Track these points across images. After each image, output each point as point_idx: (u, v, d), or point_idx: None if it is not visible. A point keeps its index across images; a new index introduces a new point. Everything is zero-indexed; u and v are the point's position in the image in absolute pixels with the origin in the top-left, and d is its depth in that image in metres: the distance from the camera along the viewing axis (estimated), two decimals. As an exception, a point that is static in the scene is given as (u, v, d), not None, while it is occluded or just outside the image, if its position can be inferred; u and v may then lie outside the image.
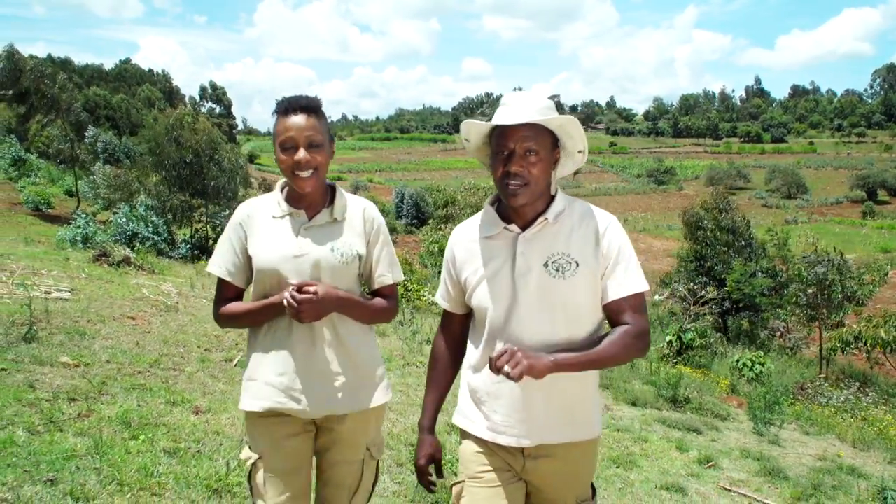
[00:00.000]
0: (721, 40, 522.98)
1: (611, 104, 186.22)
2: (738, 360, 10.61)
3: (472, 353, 1.85)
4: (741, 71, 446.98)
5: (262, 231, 1.91)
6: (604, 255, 1.71)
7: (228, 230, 1.95)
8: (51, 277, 8.04)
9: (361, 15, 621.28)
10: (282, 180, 1.97)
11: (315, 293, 1.76)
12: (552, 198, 1.77)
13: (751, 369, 10.20)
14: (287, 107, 1.82)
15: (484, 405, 1.80)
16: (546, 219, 1.72)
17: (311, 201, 1.92)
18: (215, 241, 17.97)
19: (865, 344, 12.35)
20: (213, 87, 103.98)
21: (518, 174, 1.65)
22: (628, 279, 1.71)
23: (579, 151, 1.75)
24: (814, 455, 5.93)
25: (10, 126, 34.65)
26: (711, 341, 11.31)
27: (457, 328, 1.94)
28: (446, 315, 1.96)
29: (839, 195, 69.52)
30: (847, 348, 12.68)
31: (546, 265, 1.70)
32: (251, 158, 74.24)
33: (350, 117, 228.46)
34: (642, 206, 64.03)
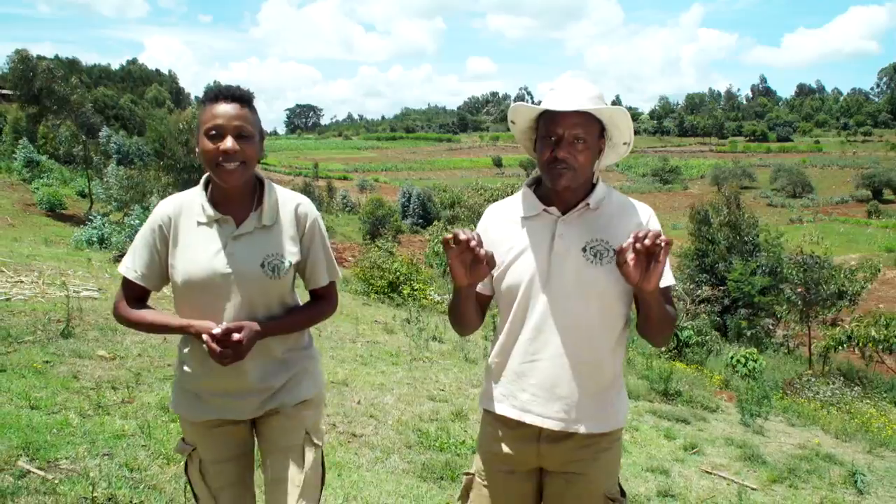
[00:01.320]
0: (727, 39, 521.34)
1: (617, 103, 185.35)
2: (732, 357, 11.03)
3: (502, 334, 1.82)
4: (747, 69, 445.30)
5: (185, 241, 1.79)
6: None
7: (146, 231, 1.82)
8: (77, 277, 8.50)
9: (366, 14, 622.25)
10: (206, 176, 1.84)
11: (239, 341, 1.67)
12: (593, 185, 1.78)
13: (744, 365, 10.61)
14: (217, 94, 1.74)
15: (512, 384, 1.79)
16: (587, 204, 1.73)
17: (238, 202, 1.81)
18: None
19: (858, 343, 12.69)
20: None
21: (564, 160, 1.66)
22: (666, 272, 1.70)
23: (624, 143, 1.78)
24: (795, 444, 6.32)
25: (18, 127, 35.27)
26: (707, 339, 11.70)
27: (482, 305, 1.89)
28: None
29: (844, 194, 69.56)
30: (840, 347, 13.03)
31: (584, 249, 1.71)
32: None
33: (356, 117, 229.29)
34: (647, 205, 64.28)
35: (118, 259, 10.74)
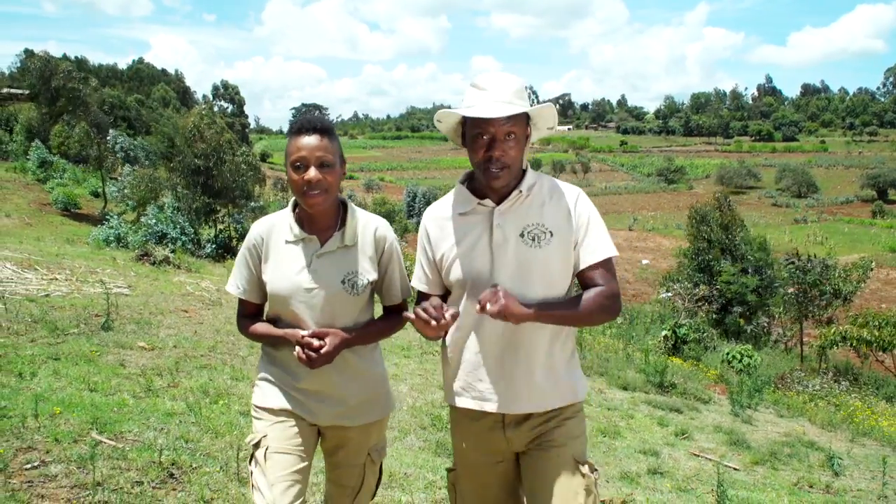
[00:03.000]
0: (733, 38, 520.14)
1: (622, 102, 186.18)
2: (728, 353, 11.46)
3: (453, 328, 1.84)
4: (753, 69, 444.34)
5: (275, 257, 1.95)
6: (576, 224, 1.81)
7: (244, 250, 2.01)
8: (105, 275, 9.00)
9: (370, 13, 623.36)
10: (293, 199, 1.99)
11: (322, 347, 1.83)
12: (523, 172, 1.85)
13: (739, 361, 11.03)
14: (300, 127, 1.87)
15: (468, 375, 1.86)
16: (520, 192, 1.80)
17: (323, 223, 1.94)
18: (239, 240, 18.93)
19: (851, 343, 13.10)
20: (226, 86, 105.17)
21: (500, 159, 1.72)
22: (600, 245, 1.81)
23: (548, 128, 1.87)
24: (781, 432, 6.77)
25: (30, 127, 35.82)
26: (704, 336, 12.12)
27: None
28: (423, 298, 1.94)
29: (849, 194, 69.67)
30: (835, 346, 13.43)
31: (522, 235, 1.78)
32: (263, 157, 75.19)
33: (361, 116, 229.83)
34: (652, 206, 64.53)
35: (140, 258, 11.25)
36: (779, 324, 18.96)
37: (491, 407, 1.83)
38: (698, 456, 5.38)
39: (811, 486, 5.06)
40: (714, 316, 18.37)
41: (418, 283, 1.95)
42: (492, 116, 1.69)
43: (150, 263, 11.01)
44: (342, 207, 1.99)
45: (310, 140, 1.84)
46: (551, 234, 1.79)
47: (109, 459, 3.19)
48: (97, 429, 3.55)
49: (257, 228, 1.99)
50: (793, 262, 16.86)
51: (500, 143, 1.72)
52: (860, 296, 24.51)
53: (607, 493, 4.02)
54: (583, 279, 1.83)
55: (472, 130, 1.76)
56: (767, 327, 18.23)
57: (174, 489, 3.01)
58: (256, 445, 1.96)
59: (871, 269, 18.72)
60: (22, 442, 3.25)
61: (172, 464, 3.24)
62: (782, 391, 9.58)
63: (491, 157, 1.72)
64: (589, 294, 1.79)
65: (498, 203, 1.80)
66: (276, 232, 1.96)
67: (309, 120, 1.88)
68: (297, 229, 1.93)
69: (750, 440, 6.05)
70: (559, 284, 1.81)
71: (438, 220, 1.89)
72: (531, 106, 1.76)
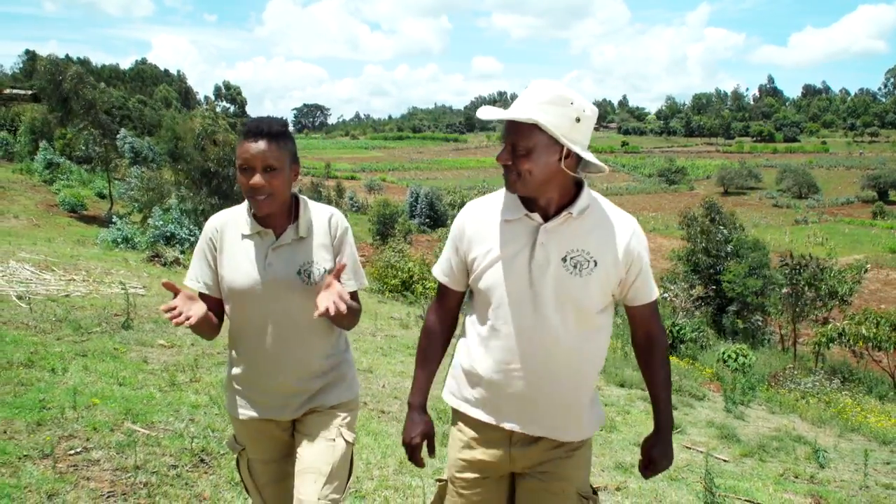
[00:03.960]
0: (734, 38, 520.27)
1: (623, 103, 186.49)
2: (723, 353, 11.75)
3: (476, 338, 1.80)
4: (754, 69, 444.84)
5: (231, 251, 1.95)
6: (628, 260, 1.71)
7: (201, 243, 2.00)
8: (119, 276, 9.30)
9: (371, 13, 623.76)
10: None
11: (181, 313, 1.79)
12: (578, 192, 1.72)
13: (735, 360, 11.31)
14: (248, 131, 1.87)
15: (486, 390, 1.79)
16: (570, 213, 1.68)
17: (277, 217, 1.95)
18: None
19: (848, 340, 13.38)
20: (228, 86, 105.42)
21: (509, 167, 1.66)
22: (651, 286, 1.78)
23: (576, 153, 1.64)
24: (771, 428, 7.05)
25: (34, 128, 36.16)
26: (701, 335, 12.41)
27: (453, 305, 1.92)
28: (443, 291, 1.91)
29: (850, 195, 69.88)
30: (831, 343, 13.72)
31: (564, 259, 1.68)
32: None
33: (363, 116, 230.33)
34: (653, 206, 64.82)
35: (151, 259, 11.55)
36: (776, 323, 19.26)
37: (507, 424, 1.77)
38: (690, 448, 5.66)
39: (796, 477, 5.35)
40: (712, 316, 18.68)
41: (441, 274, 1.88)
42: (479, 116, 1.69)
43: (160, 264, 11.31)
44: (294, 201, 2.00)
45: (256, 145, 1.84)
46: (595, 264, 1.68)
47: (145, 446, 3.48)
48: (131, 419, 3.84)
49: (214, 221, 2.01)
50: (786, 264, 17.18)
51: (509, 152, 1.65)
52: (859, 296, 24.82)
53: (602, 480, 4.31)
54: (633, 316, 1.83)
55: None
56: (762, 326, 18.53)
57: (206, 472, 3.31)
58: (239, 455, 2.06)
59: (866, 271, 18.99)
60: (63, 430, 3.55)
61: (202, 450, 3.54)
62: (775, 389, 9.87)
63: (506, 165, 1.67)
64: (661, 367, 1.85)
65: (545, 220, 1.70)
66: (231, 226, 1.98)
67: (258, 124, 1.87)
68: (252, 223, 1.95)
69: (740, 434, 6.33)
70: (596, 318, 1.74)
71: (479, 220, 1.79)
72: (576, 121, 1.62)
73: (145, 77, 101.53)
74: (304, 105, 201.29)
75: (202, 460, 3.44)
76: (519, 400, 1.74)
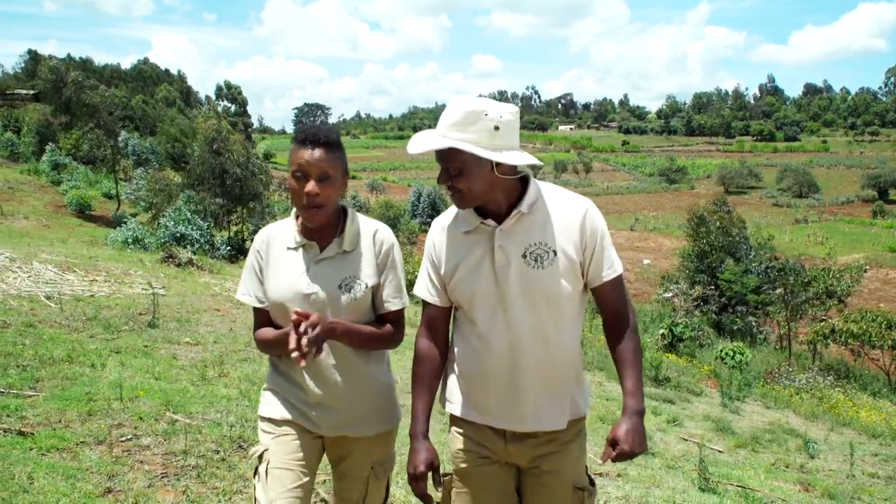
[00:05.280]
0: (734, 37, 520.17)
1: (624, 102, 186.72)
2: (721, 350, 12.08)
3: (460, 343, 1.86)
4: (755, 67, 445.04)
5: (276, 263, 1.96)
6: (584, 242, 1.74)
7: (250, 257, 2.02)
8: (138, 277, 9.65)
9: (370, 12, 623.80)
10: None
11: (309, 330, 1.75)
12: (524, 188, 1.77)
13: (732, 358, 11.64)
14: (304, 137, 1.86)
15: (473, 390, 1.83)
16: (520, 210, 1.73)
17: (324, 230, 1.94)
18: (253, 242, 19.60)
19: (841, 337, 13.71)
20: (229, 86, 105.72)
21: (449, 187, 1.72)
22: (613, 262, 1.78)
23: (497, 162, 1.68)
24: (765, 422, 7.39)
25: (37, 128, 36.53)
26: (700, 334, 12.74)
27: (441, 324, 1.92)
28: (430, 309, 1.91)
29: (850, 194, 70.11)
30: (825, 341, 14.05)
31: (524, 256, 1.72)
32: (267, 157, 75.80)
33: (363, 115, 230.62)
34: (653, 206, 65.08)
35: (165, 260, 11.89)
36: (773, 322, 19.60)
37: (495, 423, 1.82)
38: (686, 440, 6.00)
39: (787, 466, 5.69)
40: (714, 315, 19.02)
41: (424, 292, 1.90)
42: (412, 151, 1.73)
43: (175, 265, 11.65)
44: (342, 213, 2.00)
45: (313, 152, 1.85)
46: (554, 254, 1.73)
47: (187, 434, 3.82)
48: (171, 409, 4.18)
49: (262, 235, 2.03)
50: (772, 266, 17.58)
51: (446, 175, 1.72)
52: (859, 296, 25.13)
53: (603, 467, 4.65)
54: (598, 297, 1.83)
55: None
56: (757, 325, 18.88)
57: (244, 457, 3.64)
58: (260, 458, 1.97)
59: (865, 271, 19.32)
60: (113, 420, 3.89)
61: (240, 437, 3.88)
62: (771, 385, 10.20)
63: (450, 186, 1.72)
64: (626, 344, 1.79)
65: (499, 222, 1.75)
66: (278, 239, 1.99)
67: (314, 132, 1.87)
68: (298, 236, 1.96)
69: (735, 427, 6.67)
70: (567, 306, 1.77)
71: (443, 233, 1.87)
72: (494, 129, 1.66)
73: (146, 77, 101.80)
74: (305, 104, 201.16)
75: (240, 446, 3.78)
76: (503, 398, 1.78)
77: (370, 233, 2.00)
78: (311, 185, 1.84)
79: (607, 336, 1.85)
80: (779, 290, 17.07)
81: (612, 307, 1.82)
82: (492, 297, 1.75)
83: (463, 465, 1.89)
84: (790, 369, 11.42)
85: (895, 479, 5.72)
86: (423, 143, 1.72)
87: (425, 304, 1.91)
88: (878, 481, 5.63)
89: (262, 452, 1.97)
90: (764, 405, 8.60)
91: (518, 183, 1.77)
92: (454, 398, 1.90)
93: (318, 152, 1.85)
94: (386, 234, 2.02)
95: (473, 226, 1.79)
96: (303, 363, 1.72)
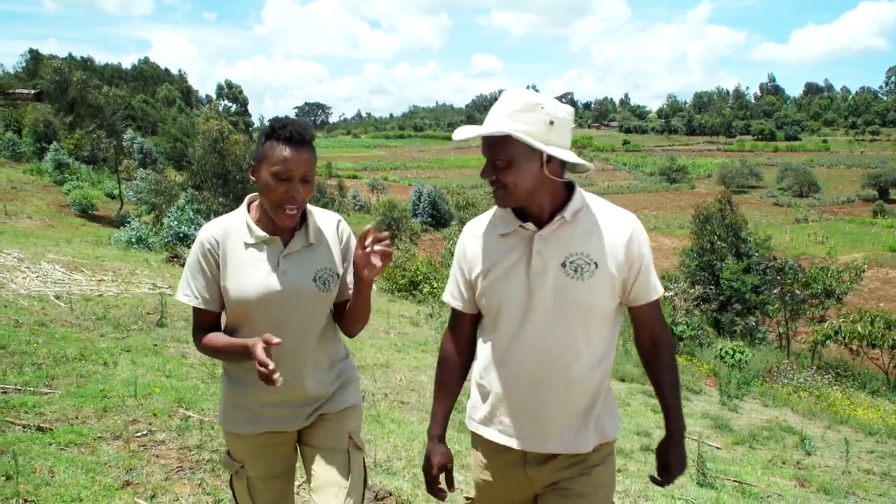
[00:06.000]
0: (735, 36, 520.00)
1: (624, 101, 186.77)
2: (720, 349, 12.20)
3: (484, 355, 1.80)
4: (755, 66, 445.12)
5: (235, 262, 1.82)
6: (630, 258, 1.68)
7: (196, 256, 1.85)
8: (144, 276, 9.77)
9: (370, 11, 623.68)
10: (248, 197, 1.92)
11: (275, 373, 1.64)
12: (570, 195, 1.71)
13: (732, 357, 11.76)
14: (289, 135, 1.74)
15: (495, 407, 1.77)
16: (563, 217, 1.66)
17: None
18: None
19: (844, 337, 13.83)
20: (230, 85, 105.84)
21: (494, 182, 1.65)
22: (655, 284, 1.74)
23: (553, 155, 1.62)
24: (763, 419, 7.50)
25: (37, 128, 36.65)
26: (700, 333, 12.85)
27: (467, 329, 1.87)
28: (456, 316, 1.88)
29: (851, 194, 70.19)
30: (828, 341, 14.17)
31: (564, 265, 1.65)
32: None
33: (364, 115, 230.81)
34: (654, 205, 65.14)
35: (170, 260, 12.01)
36: (773, 322, 19.74)
37: (514, 444, 1.74)
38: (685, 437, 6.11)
39: (784, 463, 5.80)
40: (714, 315, 19.14)
41: (452, 299, 1.86)
42: (455, 137, 1.66)
43: (179, 265, 11.76)
44: None
45: (300, 153, 1.75)
46: (596, 266, 1.66)
47: (201, 429, 3.94)
48: (184, 406, 4.30)
49: (210, 231, 1.86)
50: (770, 266, 17.71)
51: (492, 167, 1.65)
52: (858, 295, 25.24)
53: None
54: (635, 316, 1.78)
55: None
56: (756, 325, 19.00)
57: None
58: (236, 474, 1.93)
59: (864, 271, 19.45)
60: (128, 416, 4.01)
61: (251, 433, 4.00)
62: (769, 384, 10.32)
63: (491, 180, 1.66)
64: (664, 363, 1.78)
65: (539, 227, 1.68)
66: (232, 234, 1.86)
67: (299, 130, 1.76)
68: (258, 231, 1.84)
69: (733, 425, 6.79)
70: (601, 322, 1.70)
71: (477, 237, 1.79)
72: (549, 124, 1.61)
73: (147, 77, 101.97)
74: (306, 103, 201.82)
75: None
76: (527, 413, 1.72)
77: (332, 223, 1.95)
78: (297, 188, 1.76)
79: (643, 355, 1.83)
80: (776, 290, 17.20)
81: (649, 327, 1.78)
82: (521, 306, 1.69)
83: (483, 484, 1.86)
84: (789, 368, 11.54)
85: (890, 475, 5.83)
86: (473, 129, 1.64)
87: (453, 309, 1.88)
88: (874, 477, 5.75)
89: (238, 470, 1.93)
90: (762, 403, 8.71)
91: (563, 188, 1.71)
92: (476, 415, 1.84)
93: (304, 153, 1.76)
94: (345, 223, 1.99)
95: (511, 229, 1.72)
96: (278, 384, 1.63)
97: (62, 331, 5.92)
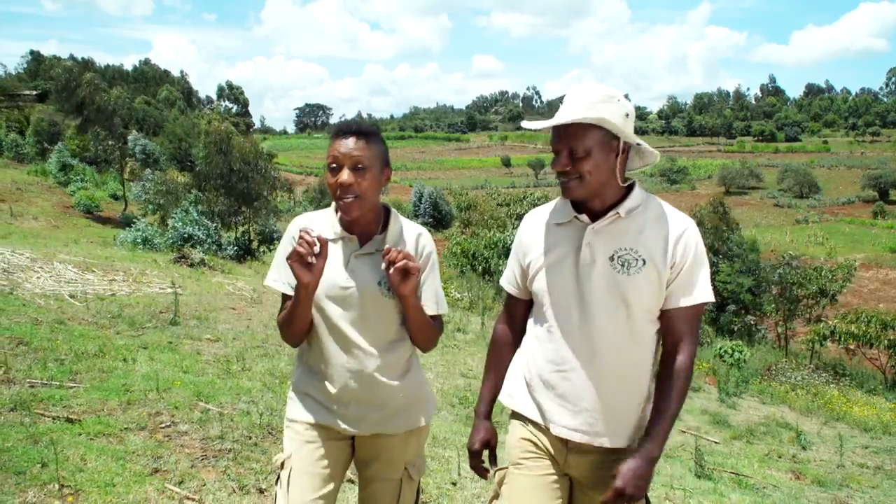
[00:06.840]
0: (735, 37, 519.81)
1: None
2: (720, 349, 12.38)
3: (532, 339, 1.83)
4: (755, 68, 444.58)
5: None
6: (677, 257, 1.66)
7: (285, 244, 1.93)
8: (154, 276, 9.95)
9: (370, 12, 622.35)
10: None
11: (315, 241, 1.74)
12: (628, 191, 1.72)
13: (731, 356, 11.93)
14: (338, 129, 1.85)
15: (539, 393, 1.78)
16: (618, 213, 1.68)
17: (365, 225, 1.90)
18: (260, 242, 19.88)
19: (840, 338, 14.01)
20: (231, 86, 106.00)
21: (568, 172, 1.65)
22: (695, 290, 1.68)
23: (637, 144, 1.69)
24: (761, 416, 7.68)
25: (39, 129, 36.85)
26: (699, 332, 13.03)
27: (520, 314, 1.92)
28: (510, 300, 1.94)
29: (851, 195, 70.31)
30: (824, 341, 14.35)
31: (612, 258, 1.67)
32: (270, 157, 75.92)
33: (364, 115, 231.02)
34: (654, 206, 65.26)
35: (178, 260, 12.20)
36: (771, 322, 19.93)
37: (555, 430, 1.75)
38: (685, 432, 6.30)
39: (780, 457, 5.99)
40: (711, 314, 19.32)
41: (507, 284, 1.93)
42: (531, 127, 1.70)
43: (188, 265, 11.95)
44: (385, 212, 1.97)
45: (346, 142, 1.82)
46: (643, 263, 1.66)
47: (221, 421, 4.13)
48: (203, 400, 4.49)
49: (299, 223, 1.96)
50: (773, 265, 17.91)
51: (566, 158, 1.65)
52: (858, 295, 25.41)
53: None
54: (664, 319, 1.71)
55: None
56: (754, 324, 19.19)
57: (275, 442, 3.95)
58: (282, 465, 1.92)
59: (856, 269, 19.64)
60: (151, 409, 4.20)
61: (268, 425, 4.18)
62: (767, 382, 10.49)
63: (560, 171, 1.67)
64: (670, 384, 1.66)
65: (593, 221, 1.71)
66: (318, 228, 1.91)
67: (348, 123, 1.86)
68: (338, 228, 1.91)
69: (731, 421, 6.97)
70: (646, 318, 1.69)
71: (533, 226, 1.85)
72: (625, 116, 1.64)
73: (148, 78, 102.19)
74: (307, 104, 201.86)
75: (269, 433, 4.08)
76: (569, 403, 1.72)
77: (414, 235, 1.96)
78: (344, 175, 1.80)
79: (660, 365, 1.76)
80: (774, 291, 17.40)
81: (673, 337, 1.70)
82: (569, 295, 1.72)
83: (521, 456, 1.84)
84: (787, 367, 11.72)
85: (883, 469, 6.01)
86: (556, 118, 1.64)
87: (508, 294, 1.96)
88: (867, 471, 5.93)
89: (284, 460, 1.92)
90: (760, 401, 8.89)
91: (623, 185, 1.74)
92: (517, 394, 1.87)
93: (350, 141, 1.81)
94: (428, 239, 2.00)
95: (567, 219, 1.76)
96: (322, 241, 1.72)
97: (80, 328, 6.11)
